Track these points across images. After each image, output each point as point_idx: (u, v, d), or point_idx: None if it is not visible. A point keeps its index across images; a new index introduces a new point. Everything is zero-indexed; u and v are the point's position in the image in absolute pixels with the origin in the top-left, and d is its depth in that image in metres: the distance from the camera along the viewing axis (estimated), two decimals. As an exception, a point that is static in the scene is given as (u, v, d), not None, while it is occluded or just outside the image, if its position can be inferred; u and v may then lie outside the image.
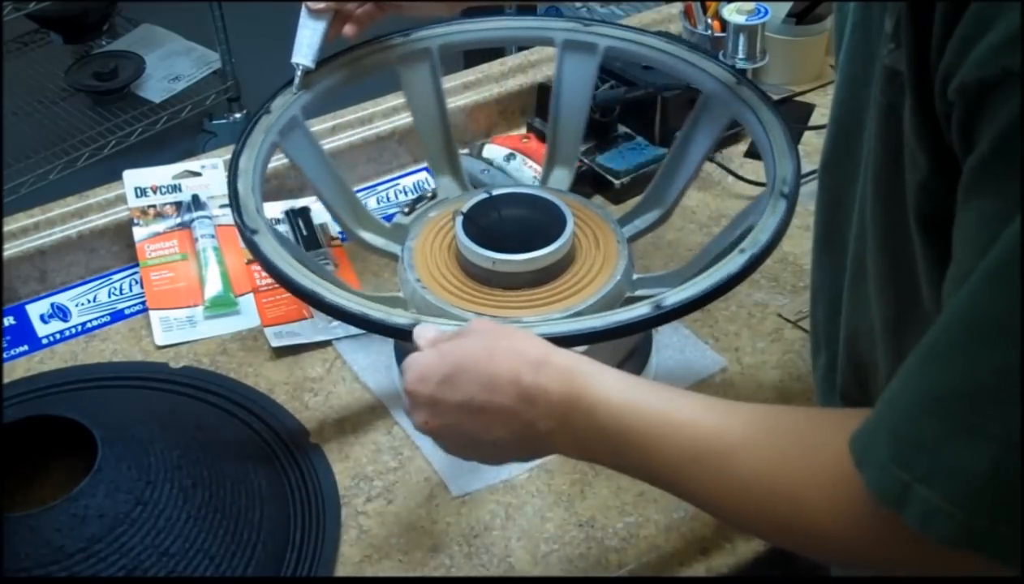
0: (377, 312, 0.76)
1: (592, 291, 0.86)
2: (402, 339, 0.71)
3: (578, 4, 1.40)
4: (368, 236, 0.97)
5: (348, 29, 0.92)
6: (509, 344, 0.65)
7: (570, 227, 0.87)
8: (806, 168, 0.94)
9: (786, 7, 1.31)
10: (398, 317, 0.76)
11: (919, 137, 0.51)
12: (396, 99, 1.22)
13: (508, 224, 0.91)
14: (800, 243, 1.07)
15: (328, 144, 1.17)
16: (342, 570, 0.81)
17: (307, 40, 0.93)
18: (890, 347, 0.61)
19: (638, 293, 0.88)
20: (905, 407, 0.49)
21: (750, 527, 0.60)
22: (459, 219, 0.88)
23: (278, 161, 1.03)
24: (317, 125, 1.18)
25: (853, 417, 0.53)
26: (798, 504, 0.54)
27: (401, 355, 0.95)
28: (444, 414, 0.65)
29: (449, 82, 1.24)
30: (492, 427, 0.64)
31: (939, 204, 0.51)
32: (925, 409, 0.48)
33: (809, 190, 1.13)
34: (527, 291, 0.86)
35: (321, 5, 0.90)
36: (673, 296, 0.76)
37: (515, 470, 0.88)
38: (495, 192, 0.93)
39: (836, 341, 0.69)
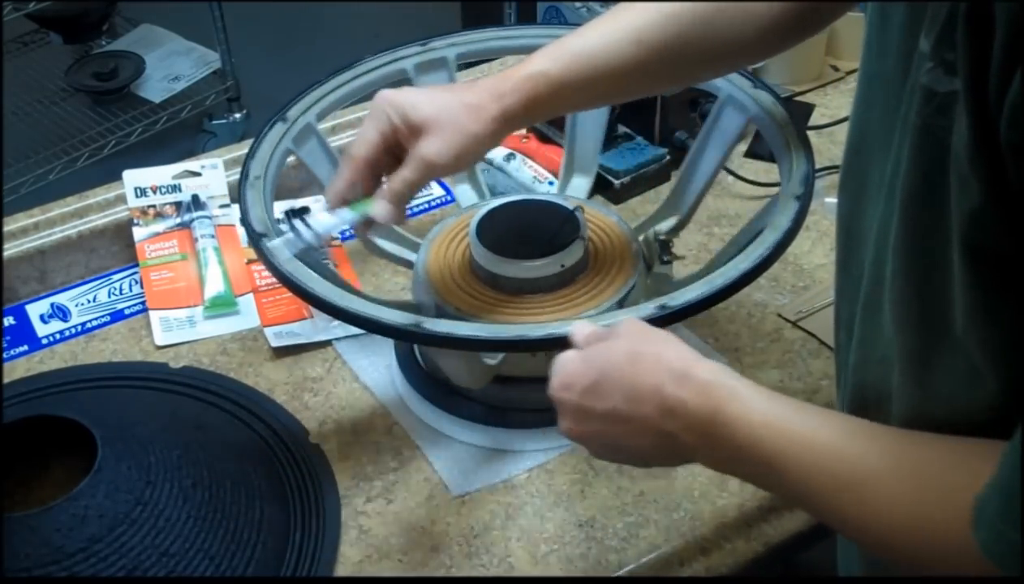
0: (536, 330, 0.75)
1: (610, 294, 0.86)
2: (563, 347, 0.69)
3: (578, 4, 1.40)
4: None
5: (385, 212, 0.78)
6: (654, 351, 0.64)
7: (585, 232, 0.87)
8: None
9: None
10: (554, 328, 0.74)
11: (974, 164, 0.49)
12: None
13: (523, 231, 0.91)
14: (800, 243, 1.07)
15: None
16: (342, 570, 0.81)
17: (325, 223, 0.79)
18: (912, 379, 0.60)
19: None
20: (1014, 464, 0.48)
21: (887, 554, 0.59)
22: (473, 226, 0.88)
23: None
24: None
25: (990, 454, 0.51)
26: (931, 542, 0.54)
27: (401, 355, 0.95)
28: (589, 422, 0.65)
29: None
30: (636, 436, 0.64)
31: (992, 234, 0.49)
32: None
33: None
34: (544, 296, 0.86)
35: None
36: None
37: (515, 470, 0.88)
38: (509, 199, 0.93)
39: (847, 368, 0.69)
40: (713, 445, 0.61)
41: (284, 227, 0.81)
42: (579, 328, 0.70)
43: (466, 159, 0.77)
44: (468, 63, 1.05)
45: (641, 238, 0.95)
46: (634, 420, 0.63)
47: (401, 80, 0.99)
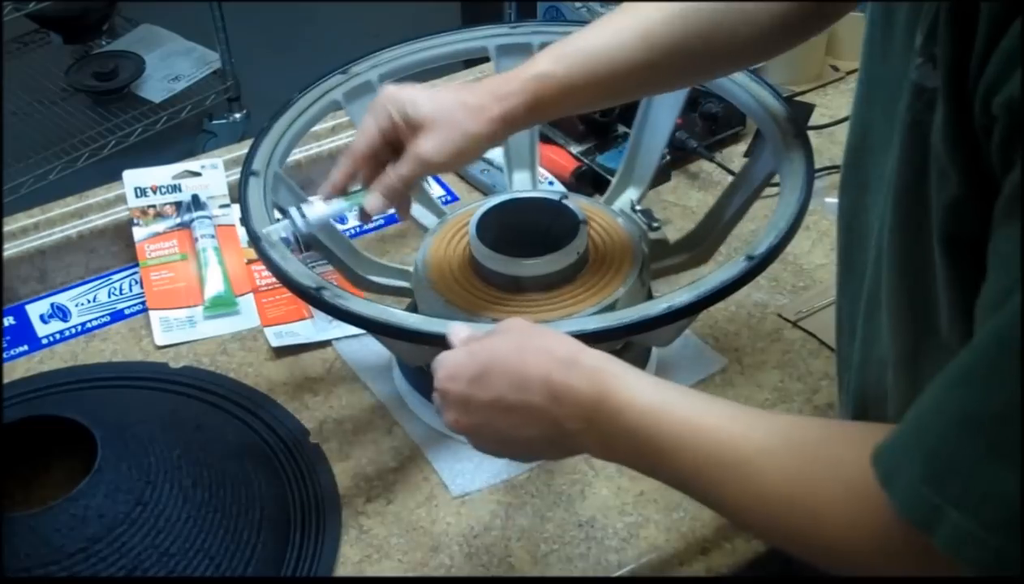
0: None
1: (615, 287, 0.87)
2: (439, 345, 0.71)
3: (578, 4, 1.40)
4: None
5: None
6: (540, 342, 0.65)
7: (584, 228, 0.88)
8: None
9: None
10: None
11: (952, 154, 0.49)
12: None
13: (525, 229, 0.91)
14: (800, 243, 1.07)
15: (328, 144, 1.17)
16: (342, 570, 0.81)
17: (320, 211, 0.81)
18: (905, 379, 0.60)
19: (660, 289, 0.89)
20: (939, 427, 0.48)
21: (768, 536, 0.59)
22: (474, 223, 0.88)
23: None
24: (316, 125, 1.17)
25: (876, 431, 0.52)
26: (816, 517, 0.54)
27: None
28: (475, 412, 0.66)
29: (449, 83, 1.24)
30: (522, 425, 0.64)
31: (968, 226, 0.50)
32: (960, 431, 0.47)
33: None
34: (547, 293, 0.86)
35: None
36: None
37: (515, 470, 0.88)
38: (509, 197, 0.93)
39: (850, 368, 0.69)
40: (599, 430, 0.62)
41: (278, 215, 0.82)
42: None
43: (462, 158, 0.78)
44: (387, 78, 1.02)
45: (616, 206, 0.96)
46: (520, 409, 0.63)
47: (336, 110, 0.98)
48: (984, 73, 0.46)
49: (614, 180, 1.03)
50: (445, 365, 0.67)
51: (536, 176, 1.04)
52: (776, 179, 0.89)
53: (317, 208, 0.80)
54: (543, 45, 0.98)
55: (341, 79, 0.97)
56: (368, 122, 0.78)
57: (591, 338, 0.74)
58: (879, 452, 0.50)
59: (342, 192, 0.80)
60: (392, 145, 0.78)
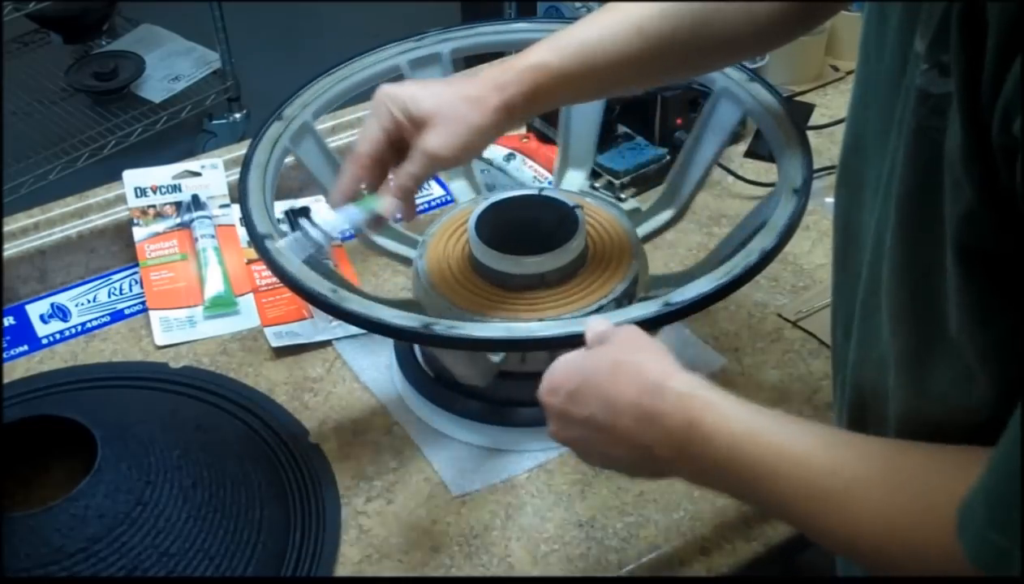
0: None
1: (628, 264, 0.87)
2: (576, 346, 0.70)
3: (578, 4, 1.40)
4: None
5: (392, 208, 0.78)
6: (634, 361, 0.64)
7: (583, 227, 0.88)
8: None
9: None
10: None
11: (967, 167, 0.49)
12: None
13: (522, 226, 0.91)
14: (800, 243, 1.08)
15: (328, 144, 1.17)
16: (342, 570, 0.81)
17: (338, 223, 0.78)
18: (907, 379, 0.60)
19: (654, 292, 0.89)
20: (1002, 470, 0.48)
21: (863, 563, 0.59)
22: (472, 223, 0.88)
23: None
24: (317, 125, 1.17)
25: (970, 460, 0.51)
26: (910, 549, 0.54)
27: (401, 355, 0.95)
28: (572, 427, 0.66)
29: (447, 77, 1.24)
30: (614, 446, 0.64)
31: (984, 236, 0.49)
32: (1020, 471, 0.47)
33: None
34: (565, 285, 0.86)
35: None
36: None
37: (515, 470, 0.88)
38: (508, 194, 0.93)
39: (846, 367, 0.69)
40: (690, 458, 0.61)
41: (286, 227, 0.80)
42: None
43: (469, 151, 0.77)
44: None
45: (579, 188, 0.97)
46: (610, 430, 0.63)
47: (288, 155, 0.96)
48: (1000, 95, 0.45)
49: (555, 167, 1.03)
50: (549, 376, 0.67)
51: (476, 182, 1.04)
52: (772, 175, 0.89)
53: (329, 218, 0.77)
54: (453, 52, 0.99)
55: (280, 126, 0.95)
56: (370, 124, 0.77)
57: (687, 310, 0.76)
58: (963, 499, 0.50)
59: (351, 199, 0.78)
60: (396, 146, 0.78)
